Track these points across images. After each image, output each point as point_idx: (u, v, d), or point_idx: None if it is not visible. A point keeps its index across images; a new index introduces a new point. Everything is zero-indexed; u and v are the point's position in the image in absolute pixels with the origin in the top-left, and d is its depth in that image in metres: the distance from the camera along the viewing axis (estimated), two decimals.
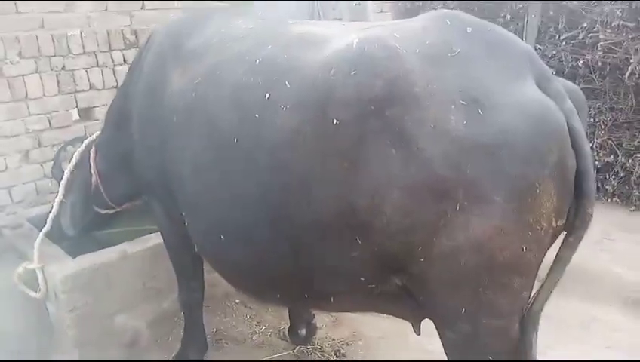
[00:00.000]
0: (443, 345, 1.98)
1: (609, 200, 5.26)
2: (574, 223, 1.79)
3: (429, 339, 3.40)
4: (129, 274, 3.20)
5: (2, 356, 3.01)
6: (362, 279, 1.93)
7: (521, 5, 5.59)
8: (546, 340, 2.29)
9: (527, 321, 1.85)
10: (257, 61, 2.01)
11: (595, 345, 3.39)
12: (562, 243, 1.83)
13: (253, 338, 3.41)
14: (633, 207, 5.14)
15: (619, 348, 3.32)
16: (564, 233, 1.83)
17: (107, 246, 3.24)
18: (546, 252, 1.80)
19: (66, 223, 3.20)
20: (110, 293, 3.13)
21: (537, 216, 1.67)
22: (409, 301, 1.99)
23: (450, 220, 1.69)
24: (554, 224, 1.73)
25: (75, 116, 4.17)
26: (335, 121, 1.77)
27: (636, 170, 5.05)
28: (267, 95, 1.92)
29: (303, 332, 3.29)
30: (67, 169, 3.16)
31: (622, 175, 5.20)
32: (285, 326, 3.50)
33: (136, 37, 4.34)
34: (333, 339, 3.41)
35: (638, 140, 5.08)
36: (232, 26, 2.32)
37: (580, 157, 1.74)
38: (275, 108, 1.89)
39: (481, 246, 1.69)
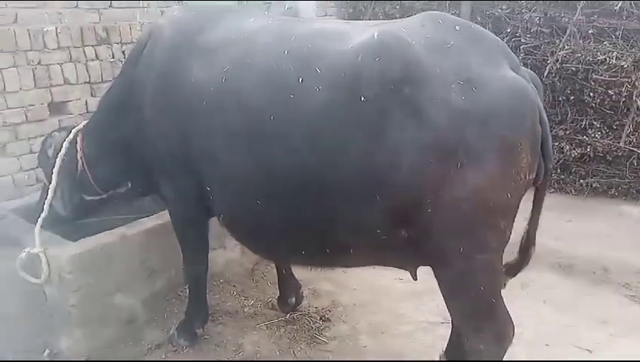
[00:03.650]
0: (440, 283, 2.43)
1: None
2: (540, 177, 2.32)
3: (398, 304, 3.92)
4: (127, 255, 3.39)
5: (6, 343, 3.10)
6: (378, 231, 2.33)
7: (452, 12, 6.27)
8: None
9: (526, 245, 2.46)
10: (285, 51, 2.37)
11: (534, 301, 4.01)
12: (535, 192, 2.38)
13: (245, 310, 3.71)
14: (552, 189, 5.93)
15: (553, 302, 3.95)
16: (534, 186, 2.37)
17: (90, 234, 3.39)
18: (521, 199, 2.30)
19: (60, 209, 3.33)
20: (110, 273, 3.30)
21: (518, 169, 2.16)
22: (410, 250, 2.41)
23: (453, 175, 2.14)
24: (527, 177, 2.24)
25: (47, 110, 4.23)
26: (363, 98, 2.17)
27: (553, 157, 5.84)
28: (300, 79, 2.29)
29: (293, 300, 3.64)
30: (59, 157, 3.29)
31: None
32: (271, 299, 3.83)
33: (107, 33, 4.48)
34: (316, 307, 3.79)
35: (554, 131, 5.87)
36: (246, 23, 2.66)
37: (543, 125, 2.26)
38: (308, 90, 2.27)
39: (476, 195, 2.15)
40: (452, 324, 2.85)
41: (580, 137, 5.77)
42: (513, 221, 2.30)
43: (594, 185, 5.81)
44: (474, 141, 2.11)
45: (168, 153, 2.82)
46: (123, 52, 4.56)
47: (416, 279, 2.63)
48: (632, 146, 5.52)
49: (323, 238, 2.45)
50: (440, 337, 3.36)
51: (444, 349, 2.99)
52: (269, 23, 2.64)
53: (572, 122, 5.83)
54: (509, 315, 2.45)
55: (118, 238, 3.34)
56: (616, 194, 5.72)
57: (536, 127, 2.20)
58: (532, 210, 2.44)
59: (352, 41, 2.30)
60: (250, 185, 2.48)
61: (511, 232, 2.32)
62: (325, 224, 2.39)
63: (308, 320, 3.60)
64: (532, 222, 2.45)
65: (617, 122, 5.60)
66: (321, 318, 3.65)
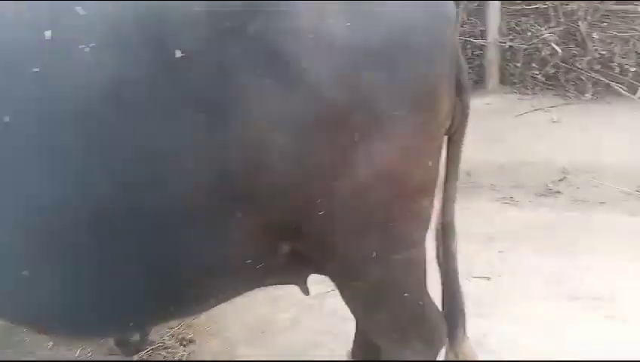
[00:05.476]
0: (348, 298, 1.69)
1: None
2: (455, 120, 1.61)
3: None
4: None
5: None
6: (249, 261, 1.47)
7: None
8: None
9: (446, 234, 1.74)
10: None
11: None
12: (449, 144, 1.64)
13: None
14: None
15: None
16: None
17: None
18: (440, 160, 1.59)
19: None
20: None
21: (438, 124, 1.46)
22: (297, 265, 1.62)
23: (350, 155, 1.34)
24: (446, 127, 1.53)
25: None
26: (178, 53, 1.19)
27: None
28: (48, 34, 1.21)
29: (137, 336, 2.63)
30: None
31: None
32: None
33: None
34: (170, 329, 2.81)
35: None
36: None
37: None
38: (70, 52, 1.22)
39: (389, 174, 1.40)
40: (357, 325, 2.16)
41: None
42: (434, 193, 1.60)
43: None
44: (375, 93, 1.32)
45: None
46: None
47: (307, 294, 1.86)
48: None
49: (155, 296, 1.48)
50: (333, 309, 2.68)
51: (348, 350, 2.33)
52: None
53: None
54: (439, 312, 1.80)
55: None
56: None
57: (455, 53, 1.48)
58: (446, 177, 1.67)
59: None
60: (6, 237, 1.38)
61: (433, 208, 1.62)
62: (154, 276, 1.43)
63: (166, 354, 2.66)
64: (449, 197, 1.70)
65: None
66: (181, 343, 2.74)
